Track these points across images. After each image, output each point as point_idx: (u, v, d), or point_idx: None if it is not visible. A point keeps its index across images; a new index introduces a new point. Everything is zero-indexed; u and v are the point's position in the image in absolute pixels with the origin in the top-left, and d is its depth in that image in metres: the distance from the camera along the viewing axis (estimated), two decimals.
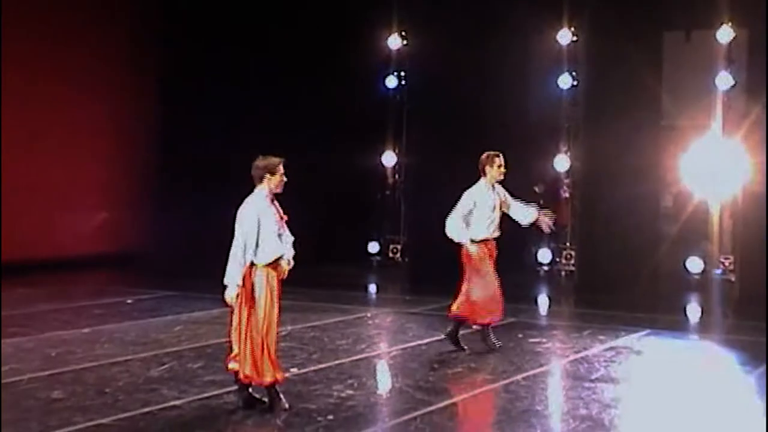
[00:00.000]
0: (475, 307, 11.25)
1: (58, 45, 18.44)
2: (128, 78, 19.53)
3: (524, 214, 11.49)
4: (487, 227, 11.20)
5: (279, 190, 8.49)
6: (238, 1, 19.57)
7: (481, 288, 11.23)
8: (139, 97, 19.79)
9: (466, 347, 11.26)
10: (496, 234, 11.30)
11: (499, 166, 11.19)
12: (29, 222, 17.61)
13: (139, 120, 19.83)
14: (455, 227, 11.14)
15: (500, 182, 11.33)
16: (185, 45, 19.53)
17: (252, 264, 8.34)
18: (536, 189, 17.96)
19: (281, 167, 8.43)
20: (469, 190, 11.24)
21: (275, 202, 8.51)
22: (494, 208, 11.22)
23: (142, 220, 19.32)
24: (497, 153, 11.26)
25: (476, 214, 11.16)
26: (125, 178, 19.65)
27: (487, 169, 11.19)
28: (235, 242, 8.31)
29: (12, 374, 9.55)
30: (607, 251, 16.69)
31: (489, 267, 11.25)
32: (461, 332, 11.39)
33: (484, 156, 11.26)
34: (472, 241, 11.12)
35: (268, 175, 8.41)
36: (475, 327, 11.46)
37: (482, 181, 11.25)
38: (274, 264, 8.42)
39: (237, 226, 8.35)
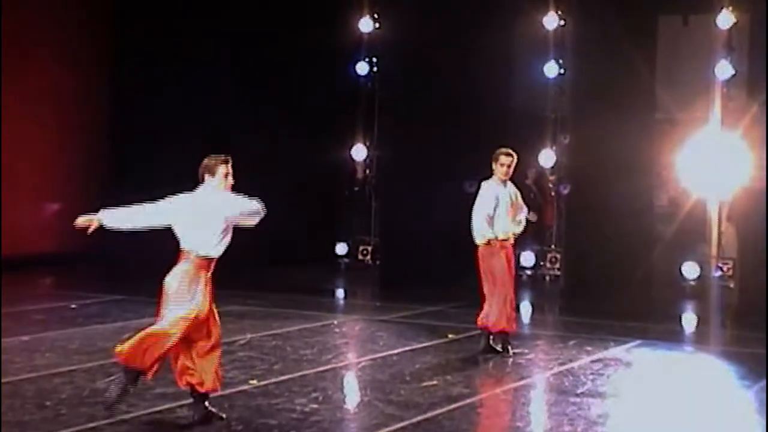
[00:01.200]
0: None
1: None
2: (79, 62, 19.54)
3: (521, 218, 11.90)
4: (499, 225, 11.52)
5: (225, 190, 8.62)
6: None
7: (486, 289, 11.62)
8: (89, 83, 19.78)
9: (509, 350, 11.60)
10: (509, 234, 11.64)
11: (502, 165, 11.53)
12: None
13: (91, 112, 19.82)
14: (482, 228, 11.44)
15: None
16: (141, 25, 19.53)
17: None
18: (528, 179, 18.07)
19: (222, 167, 8.57)
20: (485, 183, 11.56)
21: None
22: (508, 205, 11.59)
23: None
24: (505, 151, 11.61)
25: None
26: (69, 171, 19.62)
27: (493, 165, 11.58)
28: None
29: None
30: (596, 254, 16.74)
31: (499, 269, 11.51)
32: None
33: (495, 153, 11.61)
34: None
35: (207, 176, 8.60)
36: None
37: (493, 177, 11.59)
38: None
39: None
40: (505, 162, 11.53)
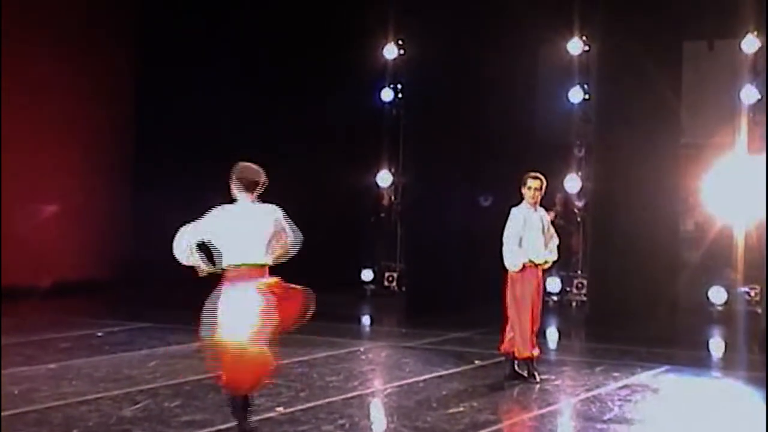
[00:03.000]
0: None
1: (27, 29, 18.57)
2: (103, 86, 19.72)
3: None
4: (530, 249, 11.54)
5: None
6: (225, 6, 19.67)
7: (512, 315, 11.62)
8: (115, 119, 19.93)
9: (535, 376, 11.60)
10: (540, 259, 11.63)
11: (530, 188, 11.54)
12: None
13: (113, 138, 19.96)
14: (514, 255, 11.47)
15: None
16: (167, 56, 19.66)
17: None
18: (556, 205, 18.07)
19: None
20: (515, 209, 11.60)
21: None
22: (540, 230, 11.60)
23: (112, 244, 19.38)
24: (533, 174, 11.62)
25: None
26: (97, 200, 19.72)
27: (523, 190, 11.59)
28: None
29: None
30: (622, 280, 16.68)
31: (528, 294, 11.55)
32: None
33: (523, 177, 11.64)
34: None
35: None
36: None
37: (524, 202, 11.62)
38: None
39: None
40: (532, 185, 11.52)
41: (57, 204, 19.25)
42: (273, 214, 8.74)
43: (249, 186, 8.70)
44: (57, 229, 19.22)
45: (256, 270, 8.61)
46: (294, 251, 8.83)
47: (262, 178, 8.71)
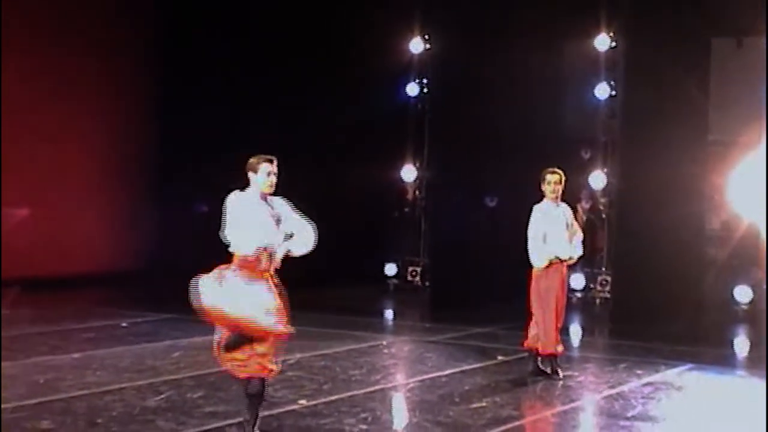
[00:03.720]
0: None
1: (53, 37, 18.70)
2: (128, 87, 19.84)
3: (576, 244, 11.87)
4: (554, 245, 11.53)
5: (268, 191, 8.66)
6: (250, 2, 19.70)
7: (536, 312, 11.61)
8: (138, 108, 20.03)
9: (558, 372, 11.61)
10: (565, 255, 11.61)
11: (549, 183, 11.52)
12: (14, 238, 17.72)
13: (139, 134, 20.06)
14: (539, 250, 11.47)
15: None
16: (190, 46, 19.72)
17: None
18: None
19: (265, 165, 8.64)
20: (537, 206, 11.59)
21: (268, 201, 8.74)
22: (563, 225, 11.60)
23: (138, 235, 19.46)
24: (552, 169, 11.61)
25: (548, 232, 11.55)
26: (121, 191, 19.82)
27: (543, 186, 11.58)
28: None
29: None
30: (646, 277, 16.62)
31: (552, 290, 11.53)
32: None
33: (543, 173, 11.62)
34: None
35: (251, 173, 8.68)
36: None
37: (545, 198, 11.60)
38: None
39: None
40: (551, 180, 11.48)
41: (82, 196, 19.35)
42: (282, 206, 8.74)
43: (250, 168, 8.71)
44: (82, 220, 19.32)
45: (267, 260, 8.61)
46: (309, 242, 8.76)
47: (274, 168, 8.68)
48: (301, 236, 8.75)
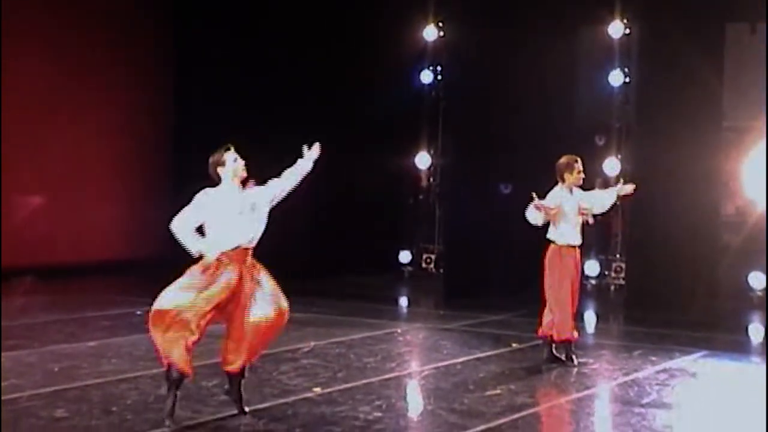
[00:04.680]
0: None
1: (68, 37, 18.72)
2: (143, 76, 19.79)
3: (604, 198, 11.88)
4: (568, 232, 11.51)
5: (243, 175, 8.86)
6: None
7: (550, 298, 11.59)
8: (153, 95, 20.02)
9: (573, 359, 11.57)
10: (578, 241, 11.60)
11: (579, 172, 11.54)
12: (31, 226, 17.77)
13: (154, 119, 20.08)
14: (531, 212, 11.46)
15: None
16: (203, 35, 19.69)
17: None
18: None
19: (228, 155, 8.90)
20: (550, 193, 11.50)
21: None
22: (576, 212, 11.54)
23: (154, 223, 19.45)
24: (576, 158, 11.59)
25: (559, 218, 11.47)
26: (137, 179, 19.85)
27: (566, 175, 11.54)
28: None
29: (12, 390, 9.62)
30: (661, 264, 16.60)
31: (562, 275, 11.48)
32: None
33: (562, 161, 11.58)
34: (552, 242, 11.51)
35: (219, 169, 8.89)
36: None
37: (559, 186, 11.54)
38: None
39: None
40: (580, 168, 11.51)
41: (98, 184, 19.38)
42: (259, 190, 8.87)
43: (236, 171, 8.84)
44: (98, 208, 19.35)
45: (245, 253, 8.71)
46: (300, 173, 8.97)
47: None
48: (290, 175, 8.94)
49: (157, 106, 20.23)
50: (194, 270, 8.70)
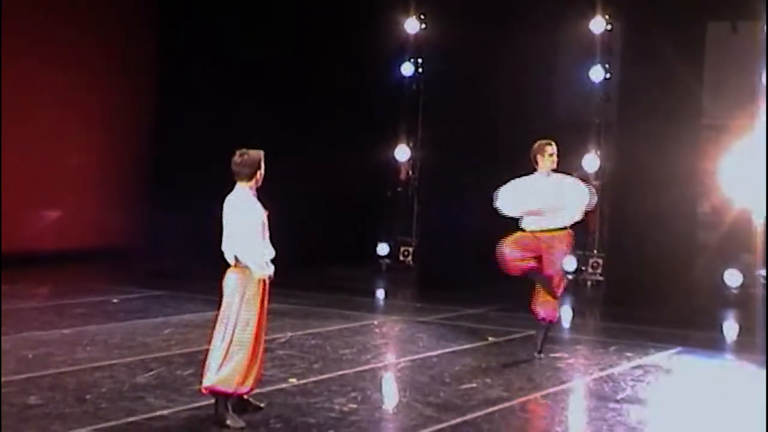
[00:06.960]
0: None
1: (52, 33, 18.64)
2: (124, 66, 19.72)
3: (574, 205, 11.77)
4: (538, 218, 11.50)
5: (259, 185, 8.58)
6: None
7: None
8: (133, 86, 19.95)
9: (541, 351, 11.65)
10: (553, 226, 11.57)
11: (551, 155, 11.52)
12: (6, 214, 17.68)
13: (133, 110, 20.01)
14: (507, 199, 11.55)
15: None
16: (184, 29, 19.62)
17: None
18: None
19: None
20: (527, 178, 11.59)
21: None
22: (556, 196, 11.52)
23: (131, 213, 19.41)
24: (548, 141, 11.61)
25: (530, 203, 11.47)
26: (114, 169, 19.78)
27: (539, 158, 11.54)
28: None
29: None
30: (638, 261, 16.66)
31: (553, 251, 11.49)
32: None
33: (535, 146, 11.59)
34: (522, 230, 11.50)
35: (259, 172, 8.47)
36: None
37: (536, 172, 11.54)
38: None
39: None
40: (553, 151, 11.50)
41: (77, 175, 19.32)
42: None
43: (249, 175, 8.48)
44: (76, 197, 19.28)
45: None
46: None
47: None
48: None
49: (139, 102, 20.12)
50: None
